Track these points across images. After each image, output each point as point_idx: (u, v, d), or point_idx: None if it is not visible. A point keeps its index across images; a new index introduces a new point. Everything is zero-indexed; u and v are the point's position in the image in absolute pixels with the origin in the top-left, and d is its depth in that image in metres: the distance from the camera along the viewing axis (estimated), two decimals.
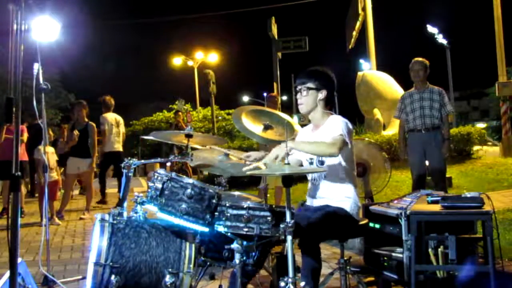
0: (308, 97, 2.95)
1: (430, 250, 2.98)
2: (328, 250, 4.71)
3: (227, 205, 2.59)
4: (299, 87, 2.98)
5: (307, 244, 2.72)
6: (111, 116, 8.38)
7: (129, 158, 2.92)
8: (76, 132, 7.30)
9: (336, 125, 2.82)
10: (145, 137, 3.20)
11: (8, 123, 2.21)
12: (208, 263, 2.84)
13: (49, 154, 7.28)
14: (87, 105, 7.63)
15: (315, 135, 2.99)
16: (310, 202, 3.04)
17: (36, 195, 8.56)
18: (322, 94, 2.95)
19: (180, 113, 12.17)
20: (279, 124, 3.36)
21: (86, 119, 7.53)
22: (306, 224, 2.67)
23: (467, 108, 60.10)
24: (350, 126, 2.87)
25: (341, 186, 2.90)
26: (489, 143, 11.04)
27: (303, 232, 2.62)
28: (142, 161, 2.89)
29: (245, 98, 41.47)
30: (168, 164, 10.42)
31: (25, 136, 7.70)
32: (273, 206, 2.60)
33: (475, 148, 10.70)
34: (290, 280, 2.35)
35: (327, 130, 2.87)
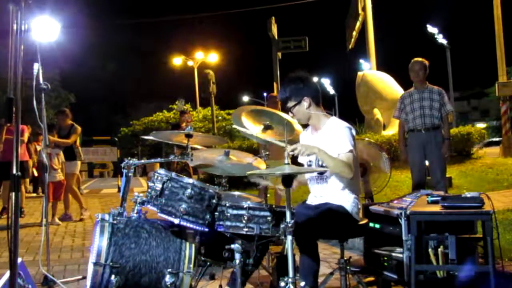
0: (297, 114, 2.99)
1: (430, 250, 2.98)
2: (328, 250, 4.71)
3: (227, 205, 2.59)
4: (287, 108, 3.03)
5: (304, 242, 2.72)
6: None
7: (129, 158, 2.92)
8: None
9: (341, 135, 2.83)
10: (145, 137, 3.20)
11: (9, 123, 2.21)
12: (208, 263, 2.84)
13: (55, 155, 7.29)
14: (70, 113, 7.62)
15: (315, 138, 3.00)
16: (310, 201, 3.05)
17: (41, 194, 8.55)
18: (306, 103, 2.94)
19: (186, 115, 11.93)
20: (279, 124, 3.35)
21: (70, 122, 7.48)
22: (304, 220, 2.68)
23: (467, 108, 60.06)
24: (353, 130, 2.91)
25: (342, 186, 2.91)
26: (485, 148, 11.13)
27: (301, 229, 2.62)
28: (142, 161, 2.89)
29: (245, 98, 41.48)
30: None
31: (26, 136, 7.68)
32: (273, 206, 2.60)
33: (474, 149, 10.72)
34: (290, 280, 2.35)
35: (329, 135, 2.89)
